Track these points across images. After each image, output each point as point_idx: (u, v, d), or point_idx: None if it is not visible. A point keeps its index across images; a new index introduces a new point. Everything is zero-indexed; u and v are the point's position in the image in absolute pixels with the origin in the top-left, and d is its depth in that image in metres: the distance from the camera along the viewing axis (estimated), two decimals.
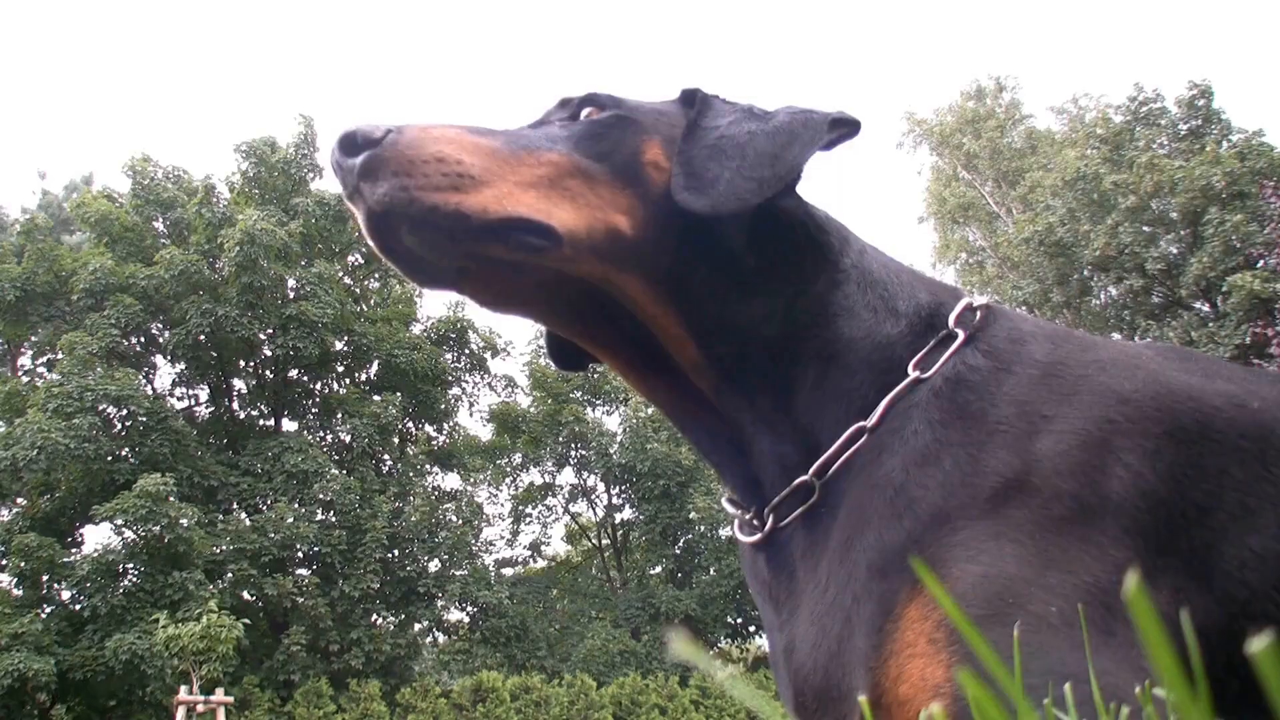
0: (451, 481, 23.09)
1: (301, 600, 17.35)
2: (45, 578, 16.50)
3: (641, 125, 1.21)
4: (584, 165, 1.15)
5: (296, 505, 17.92)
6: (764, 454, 1.15)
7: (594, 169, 1.16)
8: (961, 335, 1.11)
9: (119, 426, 17.82)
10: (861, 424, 1.08)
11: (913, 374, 1.09)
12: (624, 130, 1.20)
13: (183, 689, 11.05)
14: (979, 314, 1.15)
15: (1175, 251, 19.84)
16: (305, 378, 21.15)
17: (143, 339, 19.74)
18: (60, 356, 18.27)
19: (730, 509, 1.23)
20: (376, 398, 20.38)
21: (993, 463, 0.96)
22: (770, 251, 1.19)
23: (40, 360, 20.59)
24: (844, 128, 1.22)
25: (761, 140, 1.17)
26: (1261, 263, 17.97)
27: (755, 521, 1.16)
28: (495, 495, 24.80)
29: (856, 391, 1.11)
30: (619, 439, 23.04)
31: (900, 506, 0.97)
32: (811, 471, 1.09)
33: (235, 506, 18.53)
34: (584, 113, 1.23)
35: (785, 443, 1.13)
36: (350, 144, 1.10)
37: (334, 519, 18.39)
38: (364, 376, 21.82)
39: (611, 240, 1.13)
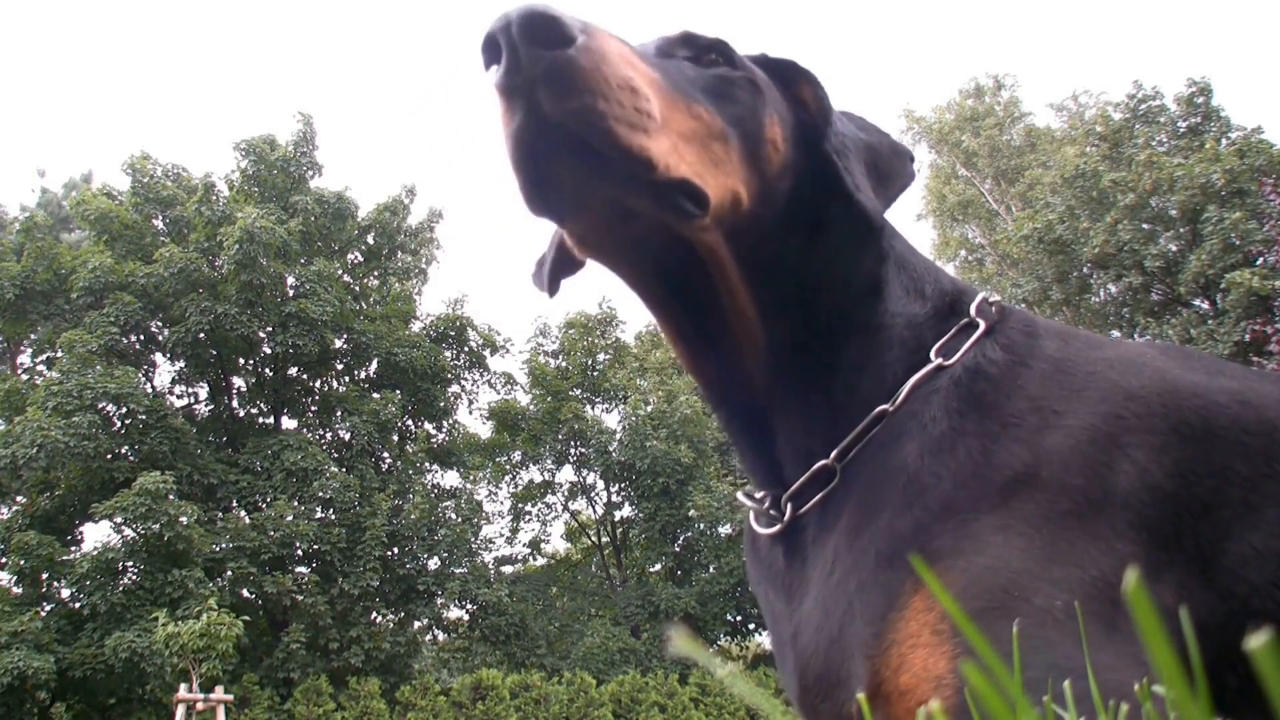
0: (451, 479, 23.12)
1: (301, 598, 17.34)
2: (45, 575, 16.49)
3: (766, 98, 1.16)
4: (724, 130, 1.09)
5: (296, 503, 17.89)
6: (792, 435, 1.14)
7: (730, 134, 1.10)
8: (983, 325, 1.12)
9: (118, 424, 17.78)
10: (884, 407, 1.08)
11: (935, 360, 1.10)
12: (754, 99, 1.15)
13: (182, 687, 11.04)
14: (994, 307, 1.17)
15: (1174, 249, 19.83)
16: (305, 375, 21.12)
17: (142, 337, 19.70)
18: (60, 354, 18.24)
19: (746, 502, 1.22)
20: (376, 395, 20.35)
21: (1004, 456, 0.96)
22: (835, 230, 1.19)
23: (40, 358, 20.54)
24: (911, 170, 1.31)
25: (874, 154, 1.24)
26: (1260, 260, 17.93)
27: (773, 511, 1.16)
28: (495, 493, 24.84)
29: (888, 369, 1.11)
30: (618, 437, 23.02)
31: (911, 495, 0.98)
32: (833, 455, 1.09)
33: (235, 504, 18.51)
34: (707, 58, 1.16)
35: (815, 422, 1.13)
36: (536, 29, 0.92)
37: (333, 517, 18.37)
38: (363, 374, 21.80)
39: (733, 211, 1.09)
